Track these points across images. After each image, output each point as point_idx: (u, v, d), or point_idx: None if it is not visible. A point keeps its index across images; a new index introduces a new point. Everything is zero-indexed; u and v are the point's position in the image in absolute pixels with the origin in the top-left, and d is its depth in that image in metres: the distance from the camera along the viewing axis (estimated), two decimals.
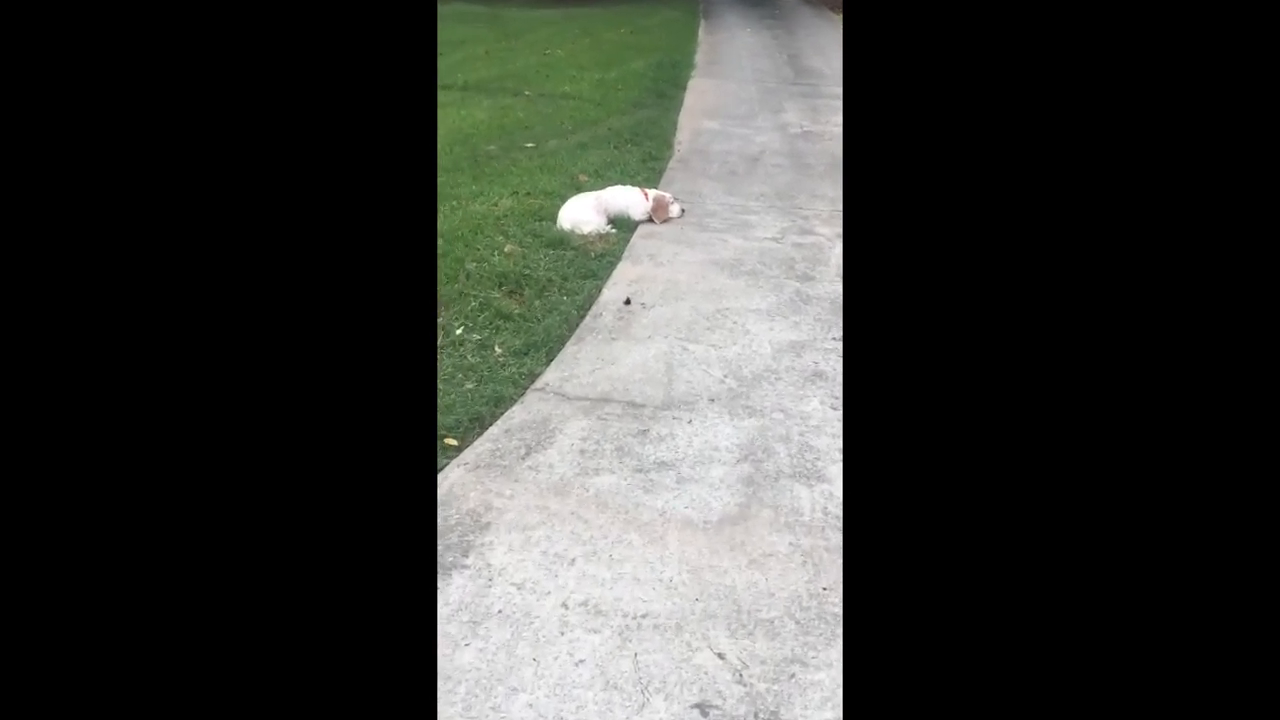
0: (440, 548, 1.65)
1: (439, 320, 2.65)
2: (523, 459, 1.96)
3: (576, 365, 2.45)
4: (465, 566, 1.61)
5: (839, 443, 2.05)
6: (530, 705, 1.32)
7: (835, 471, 1.94)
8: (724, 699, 1.34)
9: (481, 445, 2.04)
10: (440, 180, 4.02)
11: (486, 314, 2.73)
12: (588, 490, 1.84)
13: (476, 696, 1.34)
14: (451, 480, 1.89)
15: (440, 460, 1.95)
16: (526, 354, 2.49)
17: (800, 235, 3.75)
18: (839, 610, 1.51)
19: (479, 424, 2.13)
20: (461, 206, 3.84)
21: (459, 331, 2.63)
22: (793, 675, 1.39)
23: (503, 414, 2.17)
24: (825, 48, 9.76)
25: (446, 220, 3.58)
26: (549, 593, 1.55)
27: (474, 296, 2.83)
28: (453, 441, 2.05)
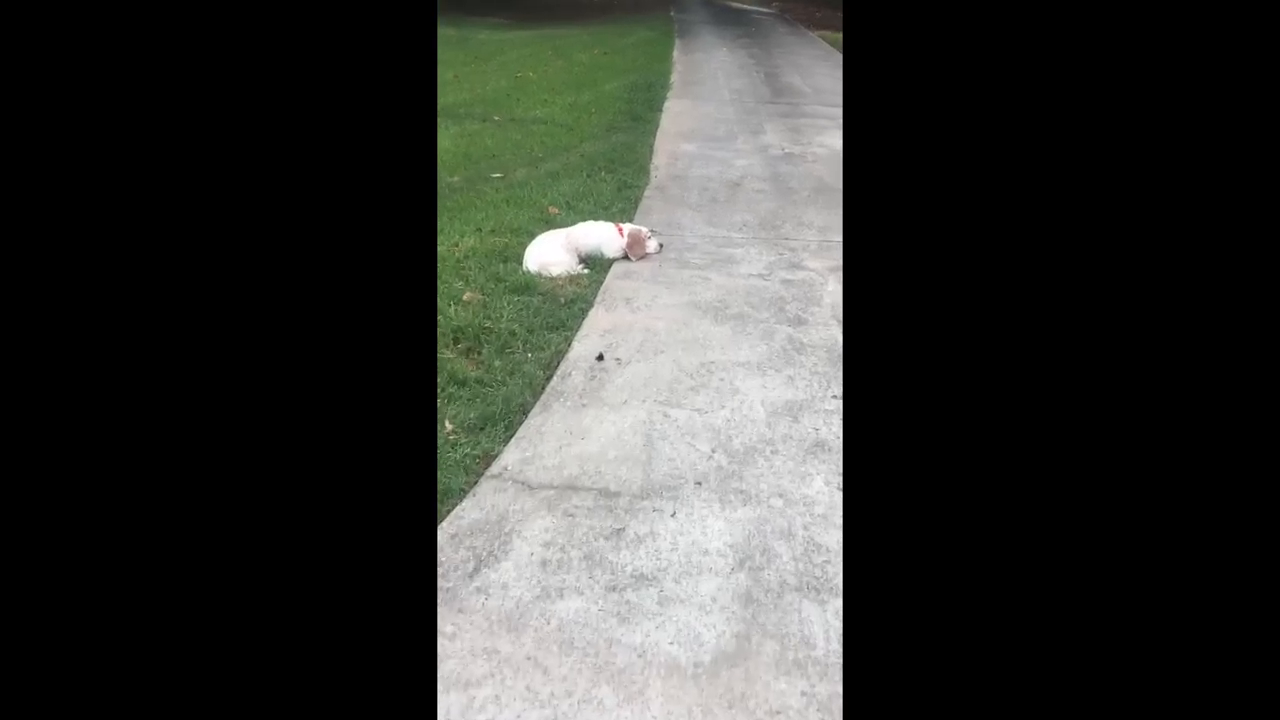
0: None
1: None
2: (470, 578, 1.61)
3: (540, 442, 2.11)
4: None
5: None
6: None
7: None
8: None
9: None
10: None
11: (438, 380, 2.38)
12: (548, 622, 1.49)
13: None
14: None
15: None
16: (482, 429, 2.15)
17: (789, 270, 3.44)
18: None
19: None
20: None
21: None
22: None
23: (450, 512, 1.82)
24: (803, 65, 9.58)
25: None
26: None
27: None
28: None
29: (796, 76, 8.74)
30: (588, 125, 6.20)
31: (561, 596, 1.55)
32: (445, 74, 8.69)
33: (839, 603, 1.57)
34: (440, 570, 1.63)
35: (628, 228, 3.56)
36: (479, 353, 2.59)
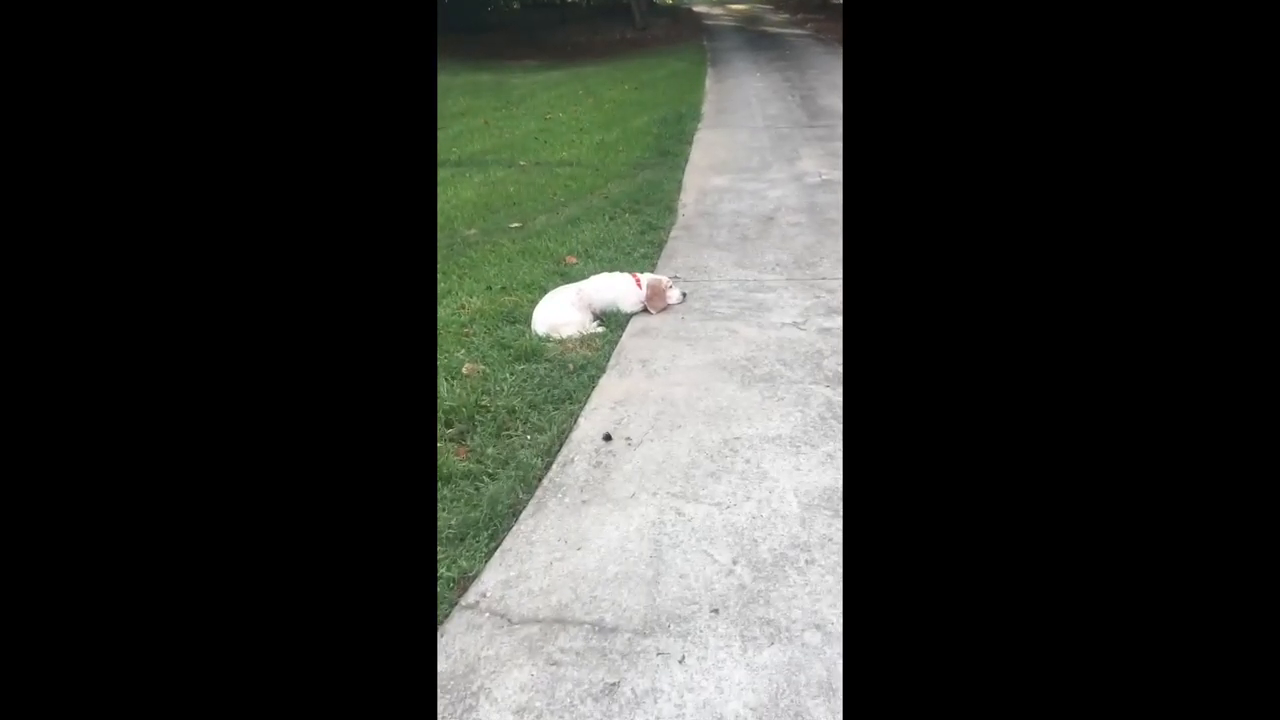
0: None
1: None
2: None
3: (529, 556, 1.79)
4: None
5: None
6: None
7: None
8: None
9: None
10: None
11: None
12: None
13: None
14: None
15: None
16: (463, 539, 1.84)
17: (826, 316, 3.07)
18: None
19: None
20: None
21: None
22: None
23: None
24: (840, 85, 9.20)
25: None
26: None
27: None
28: None
29: (833, 97, 8.37)
30: (614, 164, 5.97)
31: None
32: (476, 121, 8.67)
33: None
34: None
35: (646, 278, 3.25)
36: (472, 437, 2.30)
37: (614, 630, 1.54)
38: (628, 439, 2.26)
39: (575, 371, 2.69)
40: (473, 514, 1.91)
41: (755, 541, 1.78)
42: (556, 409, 2.44)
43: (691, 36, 16.92)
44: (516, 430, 2.33)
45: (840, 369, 2.60)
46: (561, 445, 2.24)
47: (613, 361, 2.77)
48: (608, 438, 2.26)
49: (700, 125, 7.23)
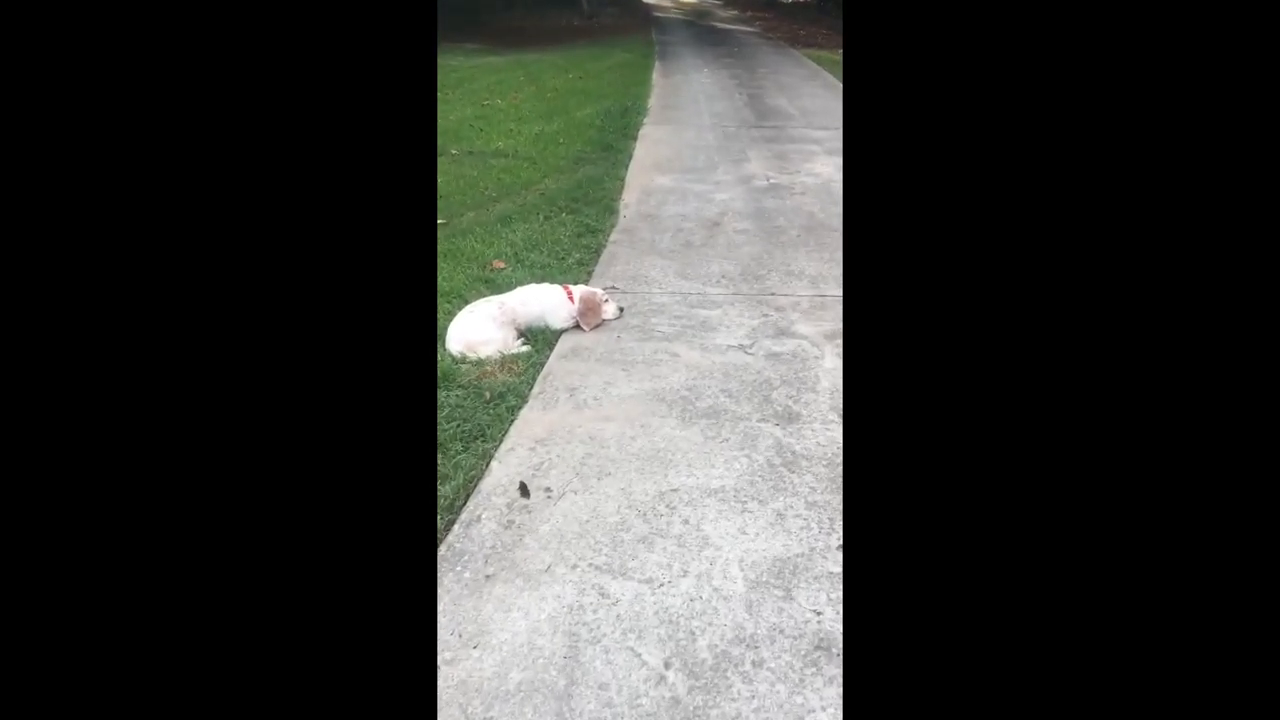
0: None
1: None
2: None
3: None
4: None
5: None
6: None
7: None
8: None
9: None
10: None
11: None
12: None
13: None
14: None
15: None
16: None
17: (776, 339, 2.79)
18: None
19: None
20: None
21: None
22: None
23: None
24: (788, 86, 9.02)
25: None
26: None
27: None
28: None
29: (782, 98, 8.18)
30: (553, 158, 5.59)
31: None
32: None
33: None
34: None
35: (579, 290, 2.91)
36: None
37: None
38: (547, 490, 1.92)
39: (492, 401, 2.34)
40: None
41: (693, 634, 1.47)
42: (465, 449, 2.08)
43: (640, 28, 16.56)
44: None
45: (790, 405, 2.33)
46: (468, 499, 1.89)
47: (537, 389, 2.43)
48: (524, 489, 1.92)
49: (646, 120, 6.91)
